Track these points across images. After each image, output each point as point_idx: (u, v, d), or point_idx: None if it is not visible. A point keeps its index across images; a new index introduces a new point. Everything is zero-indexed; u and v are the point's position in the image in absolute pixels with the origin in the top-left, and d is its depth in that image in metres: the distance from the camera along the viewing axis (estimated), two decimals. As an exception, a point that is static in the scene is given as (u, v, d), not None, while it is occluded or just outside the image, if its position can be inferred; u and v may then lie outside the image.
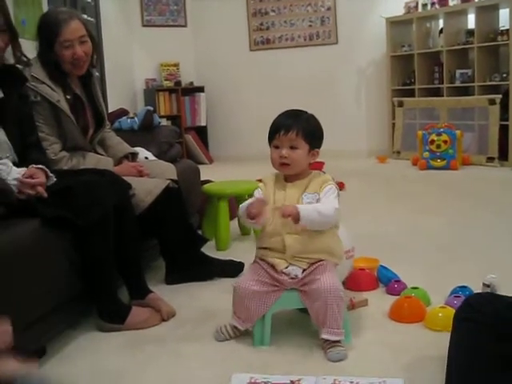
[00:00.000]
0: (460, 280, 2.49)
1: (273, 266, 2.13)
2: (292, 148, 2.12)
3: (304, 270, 2.10)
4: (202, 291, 2.73)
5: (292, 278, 2.10)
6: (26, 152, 2.34)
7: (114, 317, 2.32)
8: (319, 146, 2.20)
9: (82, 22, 2.68)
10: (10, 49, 2.23)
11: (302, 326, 2.22)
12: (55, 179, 2.26)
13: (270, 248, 2.15)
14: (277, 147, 2.14)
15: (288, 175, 2.18)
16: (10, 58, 2.31)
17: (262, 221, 2.08)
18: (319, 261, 2.11)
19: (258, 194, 2.19)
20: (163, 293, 2.59)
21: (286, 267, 2.11)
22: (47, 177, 2.23)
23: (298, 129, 2.11)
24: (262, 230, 2.18)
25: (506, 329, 1.44)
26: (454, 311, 1.65)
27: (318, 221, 2.06)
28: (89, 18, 6.03)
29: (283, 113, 2.20)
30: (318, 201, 2.11)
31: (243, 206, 2.12)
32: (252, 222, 2.10)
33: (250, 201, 2.12)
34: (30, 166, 2.19)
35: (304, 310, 2.25)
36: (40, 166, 2.22)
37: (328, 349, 2.02)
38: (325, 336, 2.03)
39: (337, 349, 2.01)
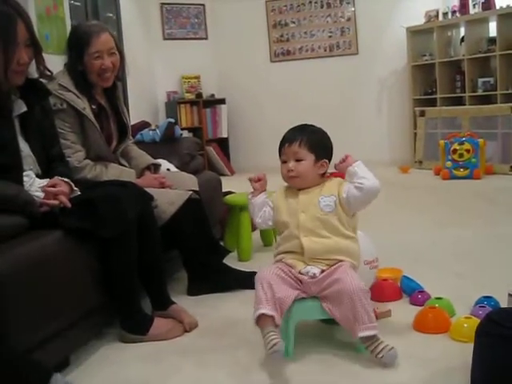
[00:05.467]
0: (485, 290, 2.46)
1: (292, 267, 2.13)
2: (297, 160, 2.16)
3: (323, 271, 2.10)
4: (225, 302, 2.73)
5: (311, 278, 2.09)
6: (50, 165, 2.36)
7: (136, 328, 2.32)
8: (327, 157, 2.21)
9: (111, 36, 2.77)
10: (33, 63, 2.26)
11: (326, 336, 2.20)
12: (79, 193, 2.28)
13: (288, 252, 2.17)
14: (284, 161, 2.19)
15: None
16: (33, 73, 2.34)
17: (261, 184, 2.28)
18: (338, 261, 2.11)
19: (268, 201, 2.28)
20: (185, 304, 2.60)
21: (304, 267, 2.11)
22: (71, 190, 2.25)
23: (300, 140, 2.16)
24: (279, 234, 2.22)
25: None
26: (479, 322, 1.63)
27: (370, 175, 2.11)
28: (111, 32, 6.10)
29: (291, 128, 2.25)
30: (335, 203, 2.12)
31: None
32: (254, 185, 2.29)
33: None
34: (55, 177, 2.22)
35: (327, 321, 2.24)
36: (64, 179, 2.25)
37: (377, 353, 1.96)
38: (362, 334, 1.98)
39: (386, 348, 1.96)
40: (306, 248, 2.11)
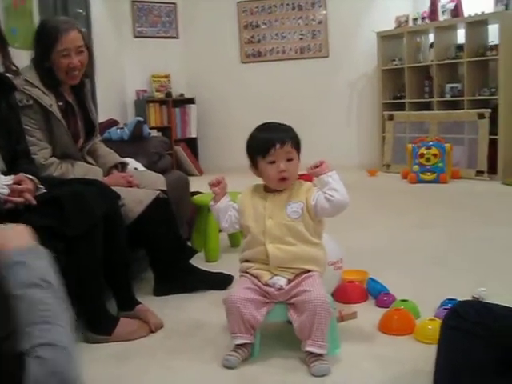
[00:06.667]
0: (450, 293, 2.48)
1: (258, 278, 2.10)
2: (288, 160, 2.10)
3: (289, 281, 2.08)
4: (191, 303, 2.71)
5: (278, 289, 2.07)
6: (16, 162, 2.33)
7: (101, 328, 2.29)
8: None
9: (80, 33, 2.71)
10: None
11: (291, 337, 2.20)
12: (44, 190, 2.25)
13: (253, 260, 2.13)
14: (272, 162, 2.10)
15: (267, 186, 2.17)
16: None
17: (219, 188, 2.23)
18: (305, 271, 2.09)
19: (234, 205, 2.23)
20: (151, 304, 2.57)
21: (270, 278, 2.08)
22: (36, 187, 2.21)
23: (291, 140, 2.11)
24: (244, 237, 2.19)
25: (491, 336, 1.43)
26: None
27: (342, 189, 2.07)
28: (80, 29, 6.03)
29: (264, 127, 2.18)
30: (302, 210, 2.09)
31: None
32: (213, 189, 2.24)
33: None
34: (20, 174, 2.18)
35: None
36: (30, 176, 2.21)
37: (311, 362, 1.99)
38: (310, 348, 1.99)
39: (320, 362, 1.98)
40: (271, 256, 2.07)
